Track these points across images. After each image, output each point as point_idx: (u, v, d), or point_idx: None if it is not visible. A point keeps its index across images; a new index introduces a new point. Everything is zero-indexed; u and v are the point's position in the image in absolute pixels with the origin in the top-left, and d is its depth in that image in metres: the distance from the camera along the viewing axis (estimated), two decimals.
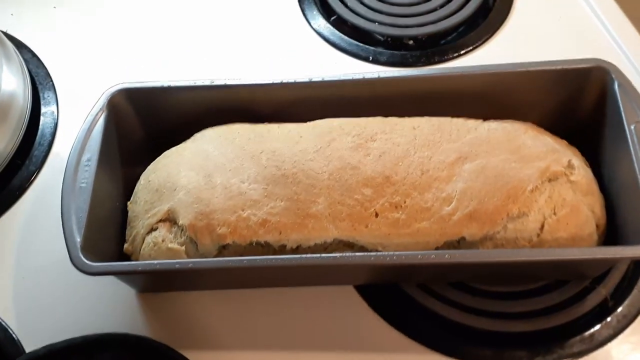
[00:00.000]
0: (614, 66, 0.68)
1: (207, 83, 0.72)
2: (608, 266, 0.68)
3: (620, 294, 0.68)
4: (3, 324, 0.70)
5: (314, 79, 0.71)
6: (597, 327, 0.67)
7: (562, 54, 0.72)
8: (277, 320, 0.69)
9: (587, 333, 0.66)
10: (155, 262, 0.64)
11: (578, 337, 0.66)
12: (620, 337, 0.66)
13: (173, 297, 0.71)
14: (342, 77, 0.71)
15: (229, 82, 0.72)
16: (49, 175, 0.81)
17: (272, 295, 0.70)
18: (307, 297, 0.70)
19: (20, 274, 0.74)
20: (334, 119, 0.70)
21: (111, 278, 0.69)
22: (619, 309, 0.67)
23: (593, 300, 0.68)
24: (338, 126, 0.69)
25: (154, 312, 0.71)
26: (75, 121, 0.72)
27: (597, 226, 0.65)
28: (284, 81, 0.71)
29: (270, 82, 0.72)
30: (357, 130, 0.68)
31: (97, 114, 0.70)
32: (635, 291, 0.68)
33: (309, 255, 0.62)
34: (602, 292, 0.68)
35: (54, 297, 0.72)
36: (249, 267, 0.61)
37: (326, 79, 0.71)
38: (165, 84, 0.72)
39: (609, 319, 0.67)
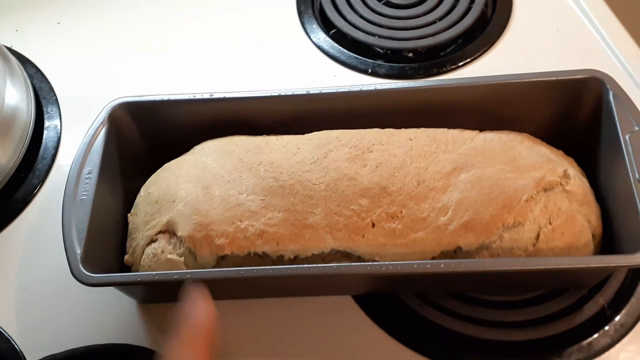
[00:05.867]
0: (609, 76, 0.69)
1: (207, 96, 0.73)
2: (604, 275, 0.68)
3: (618, 302, 0.68)
4: (5, 334, 0.71)
5: (311, 92, 0.72)
6: (595, 336, 0.67)
7: (560, 65, 0.73)
8: (275, 330, 0.70)
9: (584, 342, 0.66)
10: (154, 273, 0.65)
11: (576, 346, 0.66)
12: (618, 345, 0.66)
13: (173, 307, 0.71)
14: (340, 90, 0.72)
15: (228, 95, 0.73)
16: (52, 188, 0.82)
17: (270, 306, 0.71)
18: (305, 308, 0.70)
19: (23, 285, 0.75)
20: (331, 131, 0.71)
21: (112, 289, 0.70)
22: (617, 318, 0.67)
23: (591, 309, 0.68)
24: (335, 138, 0.70)
25: (154, 323, 0.71)
26: (78, 134, 0.73)
27: (594, 236, 0.65)
28: (282, 94, 0.72)
29: (269, 94, 0.73)
30: (354, 141, 0.69)
31: (98, 128, 0.71)
32: (633, 300, 0.68)
33: (305, 266, 0.62)
34: (600, 301, 0.68)
35: (56, 308, 0.73)
36: (246, 278, 0.62)
37: (324, 91, 0.72)
38: (165, 97, 0.73)
39: (606, 327, 0.67)
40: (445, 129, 0.70)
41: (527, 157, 0.67)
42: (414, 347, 0.68)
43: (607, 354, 0.66)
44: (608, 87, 0.68)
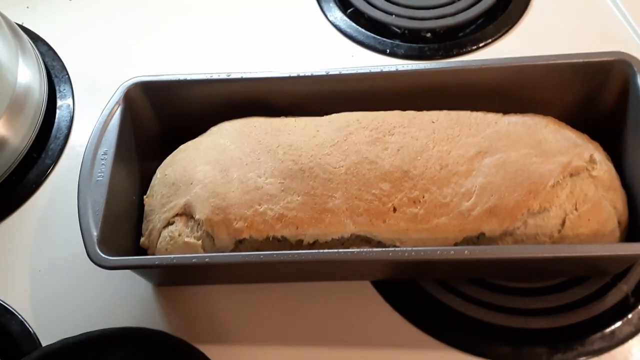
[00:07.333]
0: (636, 59, 0.67)
1: (224, 76, 0.72)
2: (629, 263, 0.67)
3: None
4: (19, 317, 0.71)
5: (331, 72, 0.71)
6: (618, 324, 0.66)
7: (582, 46, 0.71)
8: (293, 315, 0.69)
9: (607, 330, 0.65)
10: (172, 256, 0.63)
11: (598, 334, 0.65)
12: None
13: (190, 291, 0.71)
14: (360, 70, 0.71)
15: (245, 76, 0.72)
16: (65, 168, 0.82)
17: (289, 290, 0.70)
18: (324, 292, 0.69)
19: (37, 268, 0.74)
20: (351, 113, 0.70)
21: (127, 272, 0.69)
22: None
23: (614, 297, 0.67)
24: (355, 120, 0.68)
25: (170, 306, 0.71)
26: (91, 114, 0.72)
27: (619, 222, 0.64)
28: (301, 74, 0.71)
29: (287, 75, 0.71)
30: (374, 124, 0.68)
31: (113, 108, 0.70)
32: None
33: (325, 251, 0.61)
34: (623, 288, 0.67)
35: (70, 291, 0.72)
36: (265, 262, 0.60)
37: (343, 72, 0.71)
38: (182, 78, 0.72)
39: (630, 315, 0.66)
40: (468, 112, 0.69)
41: (552, 142, 0.65)
42: (434, 333, 0.67)
43: (630, 342, 0.65)
44: (635, 69, 0.66)
